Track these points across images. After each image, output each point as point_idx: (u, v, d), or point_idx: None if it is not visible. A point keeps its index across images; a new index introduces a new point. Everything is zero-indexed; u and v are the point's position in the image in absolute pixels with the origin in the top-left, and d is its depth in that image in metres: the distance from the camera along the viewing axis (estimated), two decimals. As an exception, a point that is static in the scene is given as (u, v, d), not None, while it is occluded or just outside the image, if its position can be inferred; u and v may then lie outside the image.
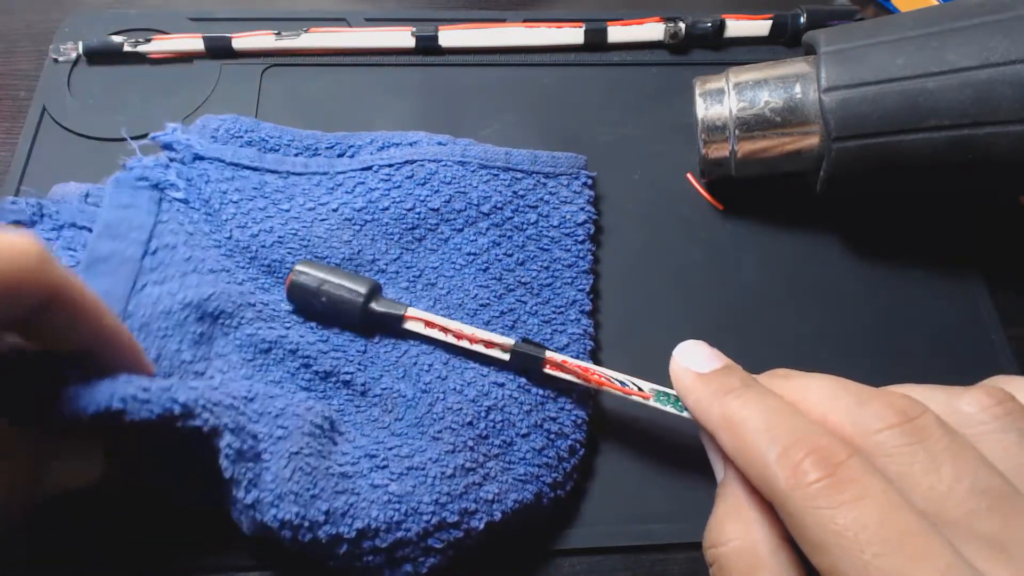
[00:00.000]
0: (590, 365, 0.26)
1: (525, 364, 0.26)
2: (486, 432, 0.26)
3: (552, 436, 0.26)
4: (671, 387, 0.24)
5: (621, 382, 0.25)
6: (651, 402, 0.24)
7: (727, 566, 0.20)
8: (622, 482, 0.27)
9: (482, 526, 0.24)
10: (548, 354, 0.26)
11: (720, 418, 0.21)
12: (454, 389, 0.26)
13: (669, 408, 0.24)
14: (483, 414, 0.26)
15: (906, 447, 0.18)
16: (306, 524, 0.22)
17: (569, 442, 0.26)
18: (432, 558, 0.24)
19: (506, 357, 0.26)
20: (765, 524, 0.20)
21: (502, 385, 0.26)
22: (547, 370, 0.26)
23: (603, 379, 0.25)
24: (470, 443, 0.25)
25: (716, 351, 0.23)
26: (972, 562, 0.16)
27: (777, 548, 0.19)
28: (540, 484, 0.25)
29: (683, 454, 0.27)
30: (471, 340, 0.26)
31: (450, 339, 0.27)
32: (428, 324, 0.27)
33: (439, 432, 0.25)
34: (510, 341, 0.26)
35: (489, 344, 0.26)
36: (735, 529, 0.20)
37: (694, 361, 0.23)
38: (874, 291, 0.32)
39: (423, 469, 0.24)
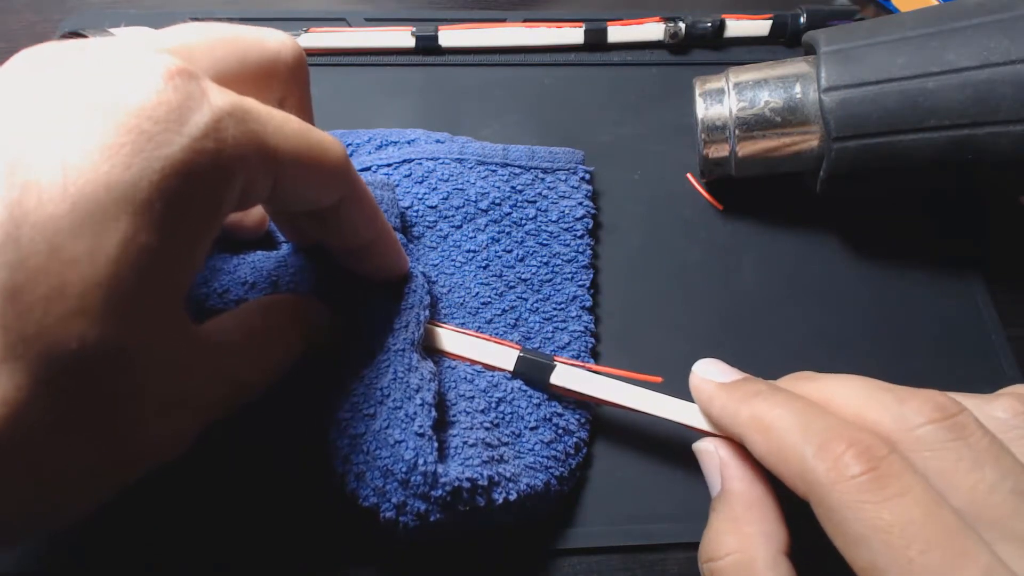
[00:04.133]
0: (593, 376, 0.26)
1: (529, 380, 0.27)
2: (497, 421, 0.26)
3: (560, 431, 0.26)
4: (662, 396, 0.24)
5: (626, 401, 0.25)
6: (658, 414, 0.24)
7: None
8: (622, 482, 0.27)
9: (501, 500, 0.23)
10: (552, 379, 0.26)
11: (749, 420, 0.20)
12: (464, 379, 0.26)
13: (672, 416, 0.24)
14: (494, 404, 0.26)
15: (950, 443, 0.18)
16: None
17: (575, 439, 0.26)
18: (440, 515, 0.23)
19: (510, 368, 0.27)
20: (763, 537, 0.20)
21: (511, 378, 0.27)
22: (552, 380, 0.26)
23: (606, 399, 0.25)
24: (486, 424, 0.25)
25: (734, 369, 0.23)
26: (1009, 563, 0.16)
27: (776, 561, 0.19)
28: (549, 475, 0.25)
29: (683, 455, 0.27)
30: (472, 361, 0.27)
31: (456, 349, 0.27)
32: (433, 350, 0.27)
33: (455, 416, 0.25)
34: (512, 360, 0.26)
35: (493, 367, 0.27)
36: (732, 542, 0.20)
37: (714, 374, 0.23)
38: (874, 291, 0.32)
39: (446, 443, 0.24)
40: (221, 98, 0.17)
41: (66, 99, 0.16)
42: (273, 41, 0.21)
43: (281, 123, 0.18)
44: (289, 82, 0.22)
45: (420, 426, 0.22)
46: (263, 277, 0.25)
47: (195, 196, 0.16)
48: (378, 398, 0.23)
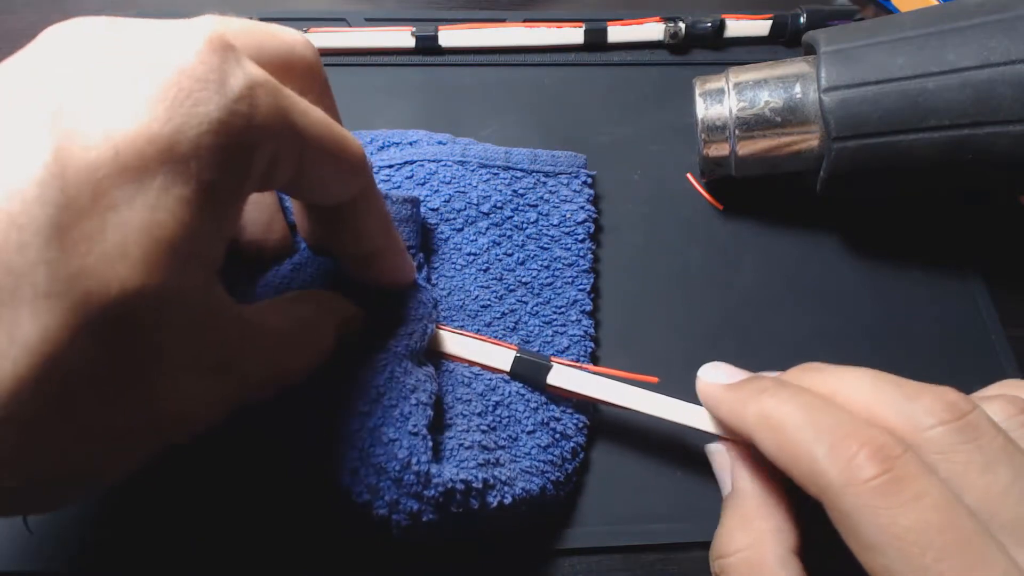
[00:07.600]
0: (590, 376, 0.26)
1: (526, 380, 0.27)
2: (494, 424, 0.26)
3: (557, 435, 0.26)
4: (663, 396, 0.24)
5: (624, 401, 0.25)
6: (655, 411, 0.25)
7: None
8: (622, 482, 0.27)
9: (495, 503, 0.23)
10: (548, 380, 0.26)
11: (757, 418, 0.20)
12: (461, 382, 0.26)
13: (669, 415, 0.24)
14: (491, 408, 0.26)
15: (961, 445, 0.18)
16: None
17: (572, 444, 0.26)
18: (432, 515, 0.23)
19: (507, 368, 0.27)
20: (775, 535, 0.20)
21: (508, 381, 0.27)
22: (549, 381, 0.26)
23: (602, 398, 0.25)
24: (483, 428, 0.25)
25: (740, 369, 0.23)
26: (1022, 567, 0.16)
27: (786, 559, 0.19)
28: (545, 479, 0.25)
29: (683, 455, 0.27)
30: (470, 363, 0.27)
31: (453, 350, 0.27)
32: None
33: (451, 419, 0.25)
34: (509, 360, 0.26)
35: (489, 368, 0.27)
36: (744, 540, 0.20)
37: (720, 377, 0.23)
38: (874, 291, 0.32)
39: (441, 445, 0.24)
40: (255, 68, 0.17)
41: (109, 57, 0.16)
42: (287, 35, 0.21)
43: (306, 108, 0.19)
44: (306, 77, 0.22)
45: (414, 425, 0.22)
46: (280, 279, 0.25)
47: (229, 157, 0.16)
48: (373, 396, 0.23)
